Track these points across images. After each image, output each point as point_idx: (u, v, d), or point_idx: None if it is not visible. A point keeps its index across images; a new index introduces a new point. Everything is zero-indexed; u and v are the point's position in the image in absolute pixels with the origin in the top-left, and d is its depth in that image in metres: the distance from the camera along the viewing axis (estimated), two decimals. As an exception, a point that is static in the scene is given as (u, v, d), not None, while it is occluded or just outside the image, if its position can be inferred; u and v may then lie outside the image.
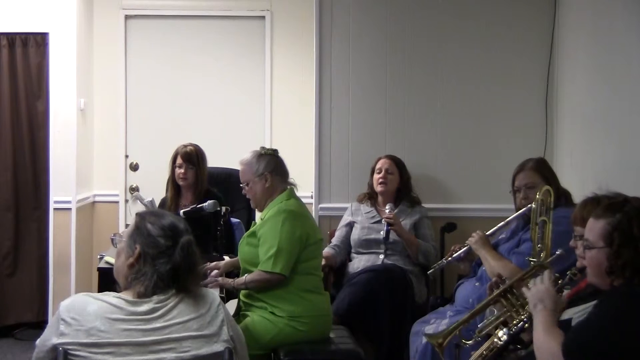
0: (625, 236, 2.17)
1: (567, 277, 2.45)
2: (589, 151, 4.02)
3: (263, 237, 3.30)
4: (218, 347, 2.11)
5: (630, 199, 2.28)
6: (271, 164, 3.41)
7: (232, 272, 3.66)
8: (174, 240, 2.13)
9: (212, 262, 3.68)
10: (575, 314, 2.27)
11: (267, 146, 5.15)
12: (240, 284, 3.36)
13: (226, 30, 5.68)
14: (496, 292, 2.64)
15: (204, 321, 2.11)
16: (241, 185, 3.47)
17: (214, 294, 2.22)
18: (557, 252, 2.80)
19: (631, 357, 2.08)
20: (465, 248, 3.52)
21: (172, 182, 4.36)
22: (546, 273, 2.40)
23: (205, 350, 2.09)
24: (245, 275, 3.36)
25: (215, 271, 3.51)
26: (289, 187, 3.46)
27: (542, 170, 3.46)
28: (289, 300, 3.29)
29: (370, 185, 4.37)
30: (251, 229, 3.43)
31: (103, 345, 2.00)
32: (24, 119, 5.22)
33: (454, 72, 4.57)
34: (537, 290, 2.34)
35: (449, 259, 3.57)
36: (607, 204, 2.27)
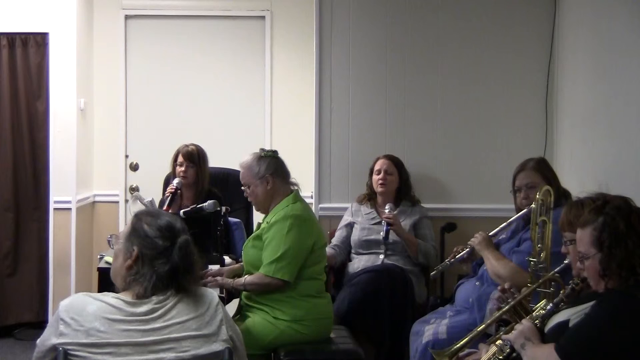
0: (614, 236, 2.18)
1: (569, 287, 2.44)
2: (589, 151, 4.02)
3: (268, 241, 3.29)
4: (217, 346, 2.11)
5: (609, 199, 2.28)
6: (272, 166, 3.39)
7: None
8: (171, 241, 2.13)
9: (212, 261, 3.68)
10: (572, 315, 2.27)
11: (267, 146, 5.22)
12: (239, 284, 3.35)
13: (226, 30, 5.67)
14: (505, 308, 2.62)
15: (202, 321, 2.11)
16: (242, 188, 3.46)
17: (213, 293, 2.22)
18: (566, 261, 2.78)
19: (627, 358, 2.09)
20: (468, 249, 3.52)
21: None
22: (524, 321, 2.40)
23: (205, 349, 2.09)
24: (245, 276, 3.35)
25: (218, 277, 3.50)
26: (294, 189, 3.45)
27: (543, 170, 3.46)
28: (292, 304, 3.29)
29: (370, 186, 4.37)
30: (257, 232, 3.41)
31: (102, 346, 2.00)
32: (24, 119, 5.22)
33: (454, 72, 4.57)
34: (521, 330, 2.34)
35: (452, 260, 3.57)
36: (588, 211, 2.28)
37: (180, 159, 4.35)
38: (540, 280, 2.76)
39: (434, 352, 2.68)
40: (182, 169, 4.33)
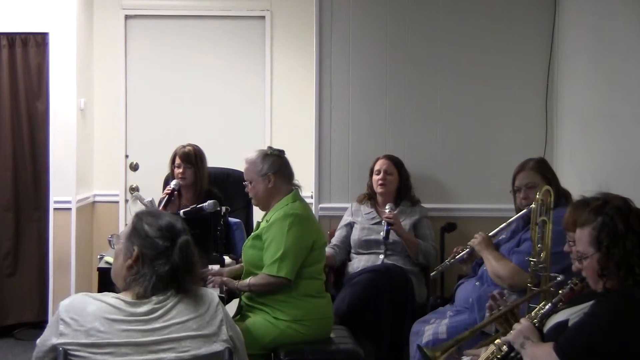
0: (612, 236, 2.19)
1: (568, 287, 2.44)
2: (589, 151, 4.02)
3: (269, 240, 3.29)
4: (217, 346, 2.12)
5: (609, 199, 2.29)
6: (275, 165, 3.39)
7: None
8: (172, 241, 2.13)
9: (212, 261, 3.67)
10: (572, 315, 2.27)
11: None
12: (243, 286, 3.34)
13: (226, 30, 5.68)
14: (497, 313, 2.63)
15: (203, 321, 2.12)
16: (244, 183, 3.46)
17: (213, 294, 2.22)
18: (558, 279, 2.77)
19: (626, 357, 2.09)
20: (467, 249, 3.52)
21: None
22: (522, 320, 2.40)
23: (205, 350, 2.09)
24: (249, 277, 3.35)
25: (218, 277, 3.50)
26: (294, 188, 3.44)
27: (543, 170, 3.46)
28: (292, 304, 3.29)
29: (370, 186, 4.37)
30: (256, 232, 3.41)
31: (103, 346, 2.01)
32: (24, 119, 5.22)
33: (454, 72, 4.57)
34: (520, 330, 2.34)
35: (452, 260, 3.58)
36: (588, 211, 2.28)
37: (177, 160, 4.33)
38: (535, 290, 2.76)
39: (426, 349, 2.67)
40: (180, 170, 4.30)
